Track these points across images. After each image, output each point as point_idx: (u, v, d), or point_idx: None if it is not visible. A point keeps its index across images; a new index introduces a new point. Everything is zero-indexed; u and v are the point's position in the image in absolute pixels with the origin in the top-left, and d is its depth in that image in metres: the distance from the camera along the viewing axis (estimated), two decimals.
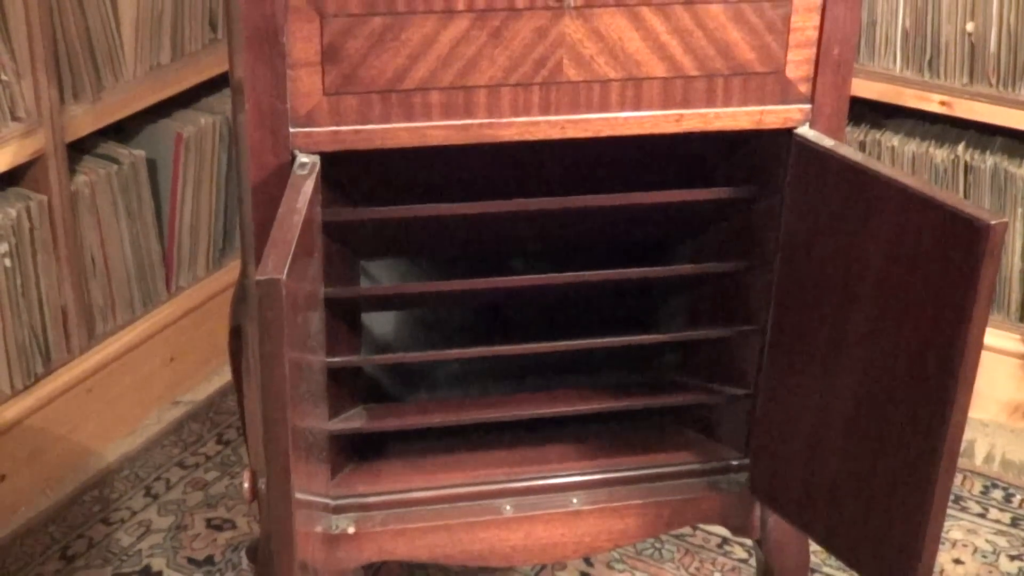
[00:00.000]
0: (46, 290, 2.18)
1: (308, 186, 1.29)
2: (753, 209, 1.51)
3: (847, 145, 1.43)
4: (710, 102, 1.41)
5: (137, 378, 2.38)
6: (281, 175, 1.34)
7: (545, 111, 1.38)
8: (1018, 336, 2.43)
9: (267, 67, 1.31)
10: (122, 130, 2.33)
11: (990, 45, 2.30)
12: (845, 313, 1.41)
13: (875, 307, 1.38)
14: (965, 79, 2.34)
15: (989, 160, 2.35)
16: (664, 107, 1.40)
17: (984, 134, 2.41)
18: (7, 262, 2.10)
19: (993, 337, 2.38)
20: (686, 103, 1.41)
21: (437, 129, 1.36)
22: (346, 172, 1.41)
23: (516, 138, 1.38)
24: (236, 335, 1.68)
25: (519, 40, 1.34)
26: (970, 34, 2.31)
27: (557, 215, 1.49)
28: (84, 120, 2.19)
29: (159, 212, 2.38)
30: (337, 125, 1.34)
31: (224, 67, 2.34)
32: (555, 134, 1.39)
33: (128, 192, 2.29)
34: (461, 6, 1.32)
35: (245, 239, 1.47)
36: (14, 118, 2.09)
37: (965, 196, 2.38)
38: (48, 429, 2.22)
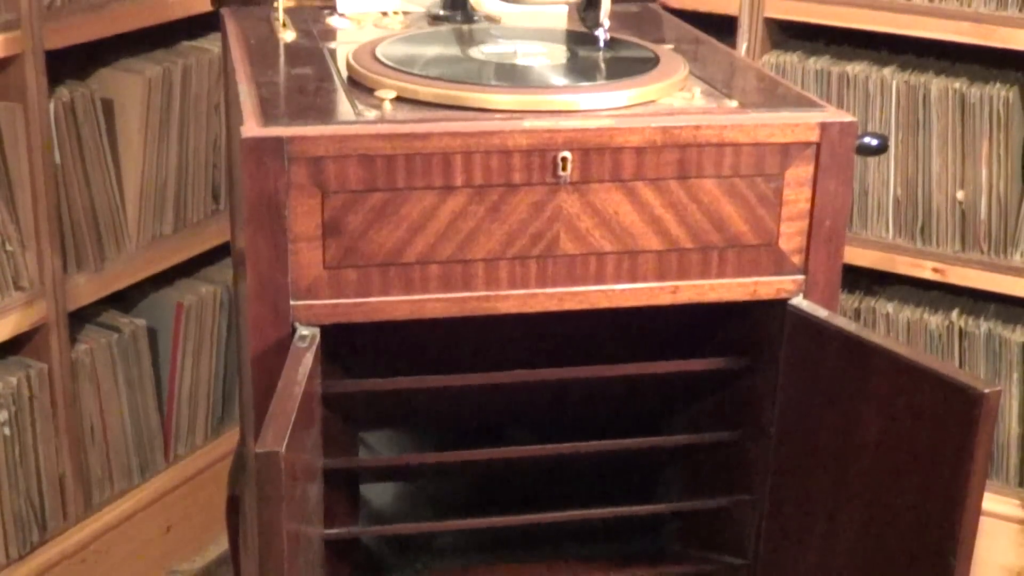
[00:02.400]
0: (44, 458, 2.17)
1: (308, 359, 1.30)
2: (749, 378, 1.52)
3: (841, 316, 1.44)
4: (705, 274, 1.43)
5: (134, 547, 2.36)
6: (281, 347, 1.35)
7: (542, 284, 1.39)
8: (1017, 501, 2.42)
9: (269, 241, 1.33)
10: (123, 298, 2.35)
11: (980, 212, 2.33)
12: (843, 482, 1.41)
13: (872, 476, 1.38)
14: (957, 246, 2.37)
15: (983, 326, 2.37)
16: (660, 279, 1.42)
17: (978, 300, 2.43)
18: (6, 430, 2.10)
19: (992, 502, 2.37)
20: (681, 275, 1.43)
21: (436, 302, 1.38)
22: (345, 342, 1.42)
23: (514, 310, 1.39)
24: (234, 505, 1.68)
25: (517, 215, 1.37)
26: (961, 202, 2.34)
27: (553, 384, 1.49)
28: (86, 289, 2.21)
29: (158, 380, 2.38)
30: (337, 298, 1.36)
31: (225, 237, 2.37)
32: (552, 306, 1.40)
33: (128, 361, 2.30)
34: (459, 182, 1.34)
35: (244, 409, 1.48)
36: (17, 287, 2.11)
37: (960, 363, 2.39)
38: None
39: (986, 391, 1.27)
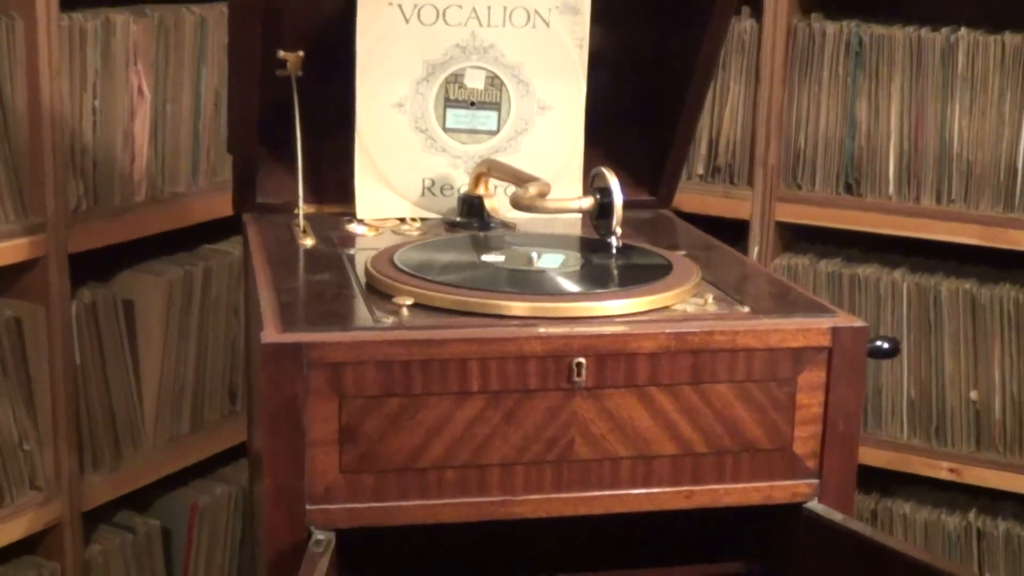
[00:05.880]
0: None
1: (323, 564, 1.30)
2: None
3: (857, 519, 1.44)
4: (719, 478, 1.43)
5: None
6: (296, 550, 1.34)
7: (557, 488, 1.40)
8: None
9: (286, 445, 1.34)
10: (138, 498, 2.35)
11: (995, 412, 2.34)
12: None
13: None
14: (972, 446, 2.37)
15: (1001, 526, 2.36)
16: (674, 484, 1.42)
17: (995, 500, 2.42)
18: None
19: None
20: (695, 479, 1.43)
21: (451, 507, 1.38)
22: (360, 543, 1.42)
23: (529, 515, 1.40)
24: None
25: (532, 420, 1.38)
26: (975, 402, 2.35)
27: None
28: (102, 489, 2.21)
29: None
30: (353, 502, 1.36)
31: (241, 437, 2.38)
32: (567, 511, 1.40)
33: (141, 561, 2.29)
34: (475, 387, 1.36)
35: None
36: (33, 487, 2.11)
37: (979, 564, 2.37)
38: None
39: None
